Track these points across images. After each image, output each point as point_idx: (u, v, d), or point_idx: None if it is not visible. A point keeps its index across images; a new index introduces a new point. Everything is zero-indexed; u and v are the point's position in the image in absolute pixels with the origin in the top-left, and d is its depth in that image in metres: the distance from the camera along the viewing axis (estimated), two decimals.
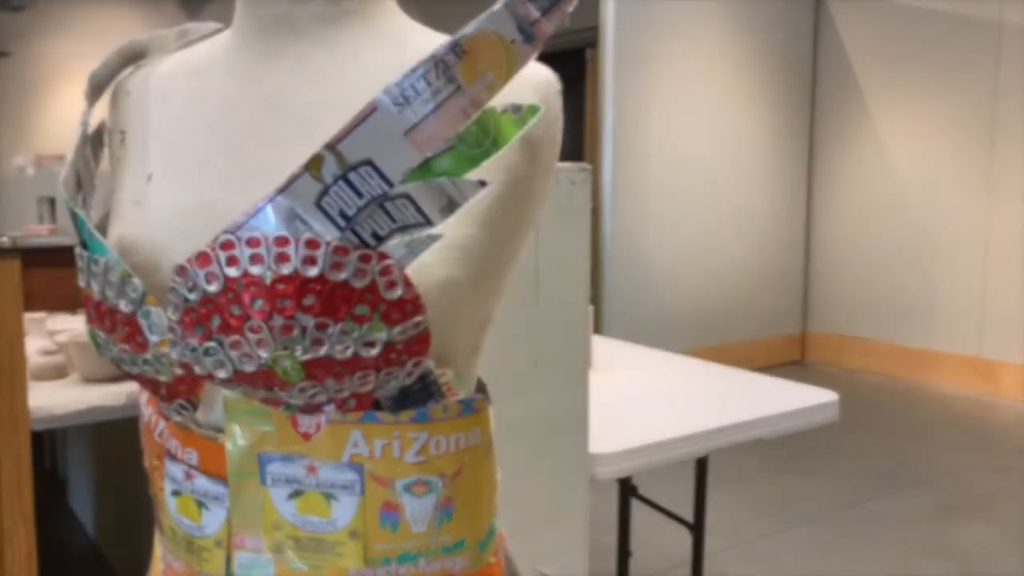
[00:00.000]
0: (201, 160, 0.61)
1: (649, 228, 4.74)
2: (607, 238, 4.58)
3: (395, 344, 0.56)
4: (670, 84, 4.76)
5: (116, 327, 0.59)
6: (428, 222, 0.54)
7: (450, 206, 0.54)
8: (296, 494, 0.63)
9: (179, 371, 0.59)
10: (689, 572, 2.01)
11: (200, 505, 0.65)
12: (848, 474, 3.47)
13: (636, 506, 2.10)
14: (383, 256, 0.54)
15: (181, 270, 0.54)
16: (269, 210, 0.52)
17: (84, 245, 0.60)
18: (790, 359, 5.50)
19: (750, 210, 5.21)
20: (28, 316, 2.06)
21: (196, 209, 0.60)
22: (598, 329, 4.51)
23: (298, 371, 0.55)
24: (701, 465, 1.93)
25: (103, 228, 0.65)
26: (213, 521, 0.65)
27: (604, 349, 2.35)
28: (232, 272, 0.52)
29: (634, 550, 2.02)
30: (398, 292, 0.55)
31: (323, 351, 0.54)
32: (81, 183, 0.65)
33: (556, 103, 0.66)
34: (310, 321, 0.53)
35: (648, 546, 2.61)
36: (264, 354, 0.54)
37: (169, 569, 0.70)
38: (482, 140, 0.55)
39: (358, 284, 0.53)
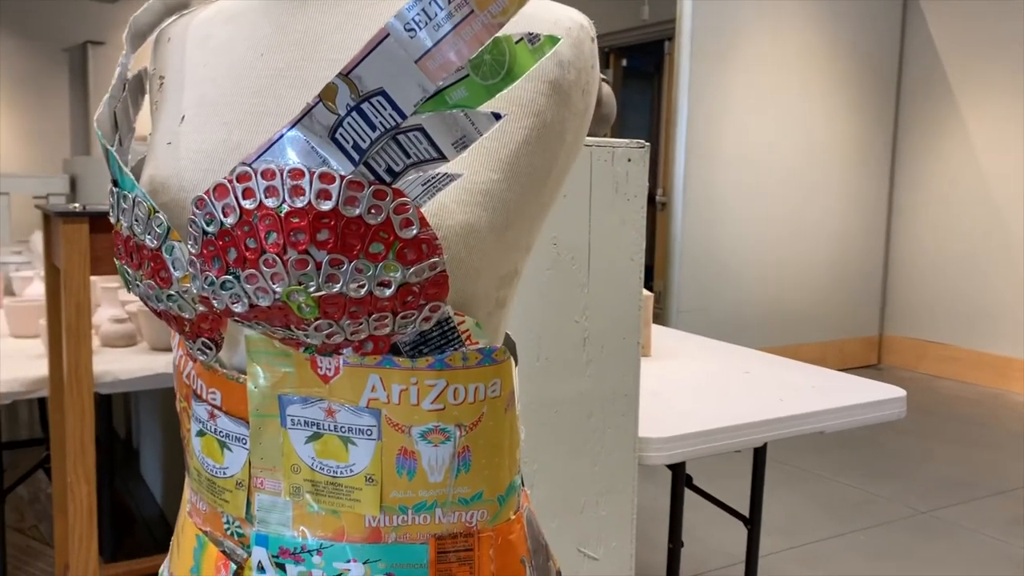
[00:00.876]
0: (231, 102, 0.62)
1: (722, 224, 4.65)
2: (678, 233, 4.52)
3: (411, 286, 0.56)
4: (747, 77, 4.66)
5: (143, 263, 0.60)
6: (441, 156, 0.53)
7: (464, 141, 0.53)
8: (315, 437, 0.63)
9: (201, 308, 0.59)
10: (743, 570, 1.96)
11: (223, 446, 0.66)
12: (920, 480, 3.34)
13: (690, 500, 2.06)
14: (398, 193, 0.53)
15: (200, 202, 0.54)
16: (285, 142, 0.52)
17: (115, 182, 0.61)
18: (866, 363, 5.33)
19: (827, 208, 5.06)
20: (102, 285, 2.13)
21: (224, 150, 0.60)
22: (665, 324, 4.45)
23: (312, 307, 0.54)
24: (758, 457, 1.88)
25: (140, 171, 0.66)
26: (235, 462, 0.66)
27: (663, 338, 2.31)
28: (248, 204, 0.52)
29: (685, 544, 1.98)
30: (413, 231, 0.54)
31: (337, 288, 0.54)
32: (118, 125, 0.66)
33: (589, 49, 0.64)
34: (324, 256, 0.53)
35: (700, 540, 2.56)
36: (279, 288, 0.53)
37: (195, 510, 0.71)
38: (497, 70, 0.53)
39: (372, 221, 0.53)
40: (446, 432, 0.62)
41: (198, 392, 0.66)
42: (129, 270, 0.62)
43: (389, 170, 0.53)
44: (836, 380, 1.90)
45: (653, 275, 5.73)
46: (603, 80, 1.41)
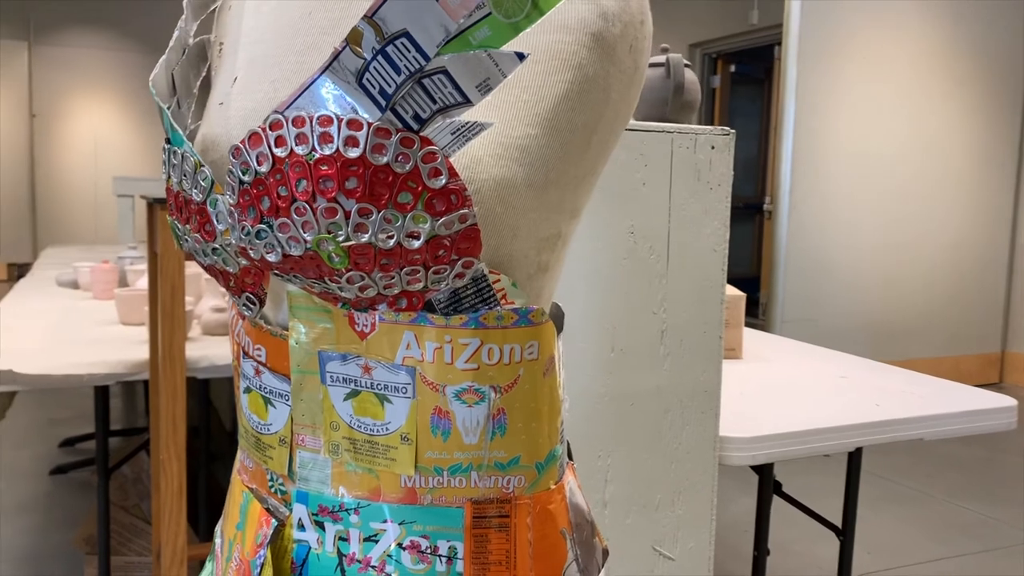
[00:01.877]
0: (278, 61, 0.63)
1: (829, 232, 4.48)
2: (783, 240, 4.38)
3: (442, 239, 0.55)
4: (859, 81, 4.48)
5: (190, 217, 0.62)
6: (466, 100, 0.52)
7: (488, 83, 0.52)
8: (353, 394, 0.63)
9: (243, 261, 0.60)
10: None
11: (267, 402, 0.67)
12: None
13: (777, 507, 1.98)
14: (426, 141, 0.53)
15: (236, 151, 0.55)
16: (315, 89, 0.52)
17: (168, 140, 0.63)
18: (986, 381, 5.03)
19: (946, 216, 4.81)
20: (206, 277, 2.22)
21: (270, 107, 0.61)
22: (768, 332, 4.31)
23: (342, 257, 0.55)
24: (852, 465, 1.79)
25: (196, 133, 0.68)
26: (278, 419, 0.66)
27: (757, 341, 2.24)
28: (280, 152, 0.53)
29: (772, 552, 1.90)
30: (442, 180, 0.53)
31: (366, 238, 0.54)
32: (176, 88, 0.68)
33: (637, 4, 0.62)
34: (353, 205, 0.53)
35: (788, 550, 2.46)
36: (309, 237, 0.54)
37: (243, 468, 0.72)
38: (520, 7, 0.52)
39: (400, 169, 0.53)
40: (480, 393, 0.61)
41: (245, 349, 0.68)
42: (179, 225, 0.64)
43: (416, 117, 0.52)
44: (939, 387, 1.80)
45: (760, 285, 5.57)
46: (686, 66, 1.38)
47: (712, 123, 7.21)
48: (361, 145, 0.52)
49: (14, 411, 3.95)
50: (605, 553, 0.75)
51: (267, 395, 0.66)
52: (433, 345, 0.60)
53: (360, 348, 0.61)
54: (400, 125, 0.52)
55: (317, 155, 0.52)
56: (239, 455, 0.74)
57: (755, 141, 7.59)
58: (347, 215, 0.53)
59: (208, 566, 0.78)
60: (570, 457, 0.76)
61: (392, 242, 0.54)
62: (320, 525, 0.65)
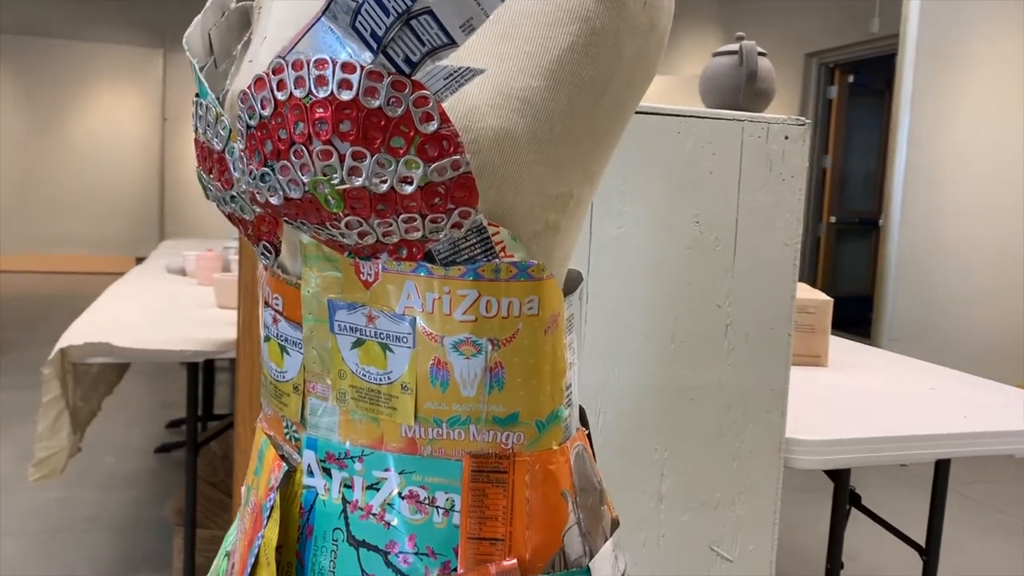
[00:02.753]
0: (303, 16, 0.65)
1: (943, 247, 4.26)
2: (892, 255, 4.19)
3: (436, 186, 0.56)
4: (977, 88, 4.25)
5: (212, 166, 0.65)
6: (451, 41, 0.53)
7: (471, 23, 0.53)
8: (358, 343, 0.64)
9: (257, 209, 0.63)
10: None
11: (283, 350, 0.69)
12: None
13: (852, 517, 1.89)
14: (418, 85, 0.53)
15: (243, 96, 0.57)
16: (313, 33, 0.54)
17: (197, 94, 0.66)
18: None
19: None
20: None
21: None
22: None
23: (338, 200, 0.56)
24: (938, 479, 1.69)
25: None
26: (292, 366, 0.68)
27: (844, 349, 2.15)
28: (281, 96, 0.55)
29: (846, 566, 1.82)
30: (434, 126, 0.54)
31: (360, 181, 0.55)
32: (213, 48, 0.71)
33: None
34: (347, 148, 0.54)
35: (859, 562, 2.33)
36: (306, 179, 0.55)
37: (263, 416, 0.74)
38: None
39: (392, 113, 0.54)
40: (478, 345, 0.62)
41: (266, 298, 0.70)
42: (204, 175, 0.67)
43: (407, 60, 0.53)
44: None
45: (873, 304, 5.35)
46: (761, 55, 1.34)
47: (827, 136, 6.97)
48: (354, 88, 0.53)
49: (128, 392, 4.18)
50: (615, 523, 0.73)
51: (283, 343, 0.69)
52: (432, 296, 0.61)
53: (365, 297, 0.63)
54: (392, 68, 0.53)
55: (313, 98, 0.54)
56: (262, 403, 0.76)
57: (874, 155, 7.30)
58: (341, 158, 0.54)
59: (235, 523, 0.81)
60: (584, 424, 0.75)
61: (385, 186, 0.55)
62: (327, 472, 0.67)
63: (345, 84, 0.53)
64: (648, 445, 1.33)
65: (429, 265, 0.60)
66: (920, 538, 1.75)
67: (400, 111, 0.54)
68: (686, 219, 1.31)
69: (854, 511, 1.81)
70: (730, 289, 1.33)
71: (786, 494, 2.85)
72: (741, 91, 1.34)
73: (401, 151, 0.54)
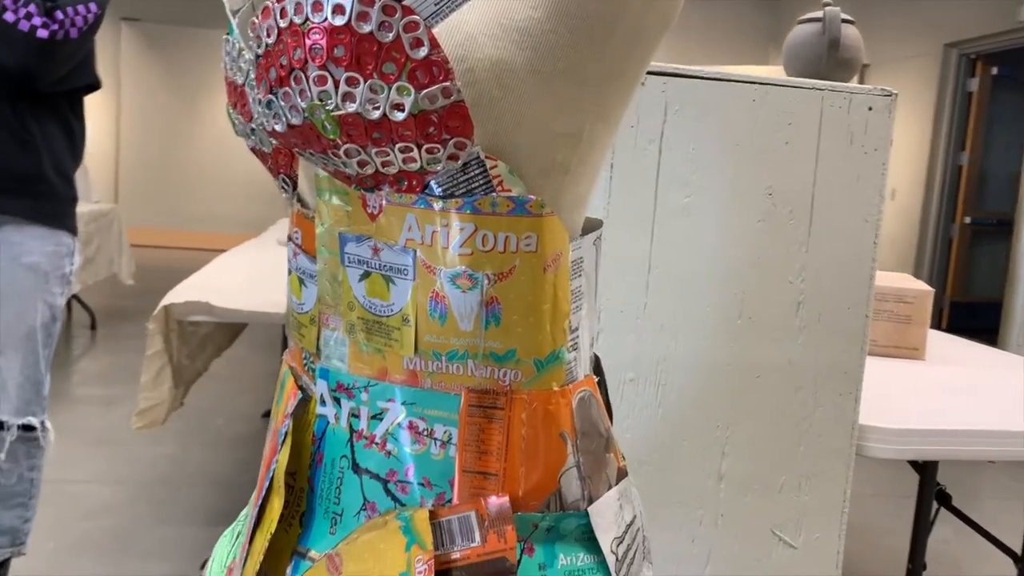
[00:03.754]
0: None
1: None
2: (1023, 257, 3.92)
3: (429, 114, 0.57)
4: None
5: (237, 101, 0.67)
6: None
7: None
8: (365, 275, 0.65)
9: (273, 141, 0.65)
10: None
11: (301, 282, 0.71)
12: None
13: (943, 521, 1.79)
14: (408, 11, 0.54)
15: (252, 25, 0.60)
16: None
17: (227, 32, 0.69)
18: None
19: None
20: None
21: None
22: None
23: (334, 126, 0.57)
24: None
25: None
26: (309, 299, 0.71)
27: (946, 344, 2.04)
28: (282, 23, 0.57)
29: (928, 567, 1.72)
30: (424, 51, 0.55)
31: (353, 107, 0.56)
32: None
33: None
34: (341, 74, 0.55)
35: (940, 560, 2.19)
36: (304, 104, 0.57)
37: (288, 349, 0.77)
38: None
39: (383, 39, 0.55)
40: (474, 279, 0.62)
41: (290, 234, 0.73)
42: (231, 111, 0.70)
43: None
44: None
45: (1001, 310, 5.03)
46: (846, 21, 1.29)
47: (964, 130, 6.57)
48: (347, 13, 0.54)
49: (243, 361, 4.39)
50: (621, 472, 0.72)
51: (301, 276, 0.71)
52: (431, 228, 0.62)
53: (371, 229, 0.64)
54: None
55: (310, 24, 0.55)
56: (287, 338, 0.79)
57: (1017, 152, 6.83)
58: (336, 84, 0.56)
59: None
60: (598, 372, 0.75)
61: (378, 113, 0.56)
62: (337, 401, 0.69)
63: (338, 9, 0.54)
64: (710, 422, 1.30)
65: (428, 197, 0.61)
66: (1014, 544, 1.64)
67: (391, 36, 0.54)
68: (758, 190, 1.27)
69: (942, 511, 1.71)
70: (803, 265, 1.28)
71: (870, 486, 2.72)
72: (823, 60, 1.28)
73: (392, 77, 0.55)
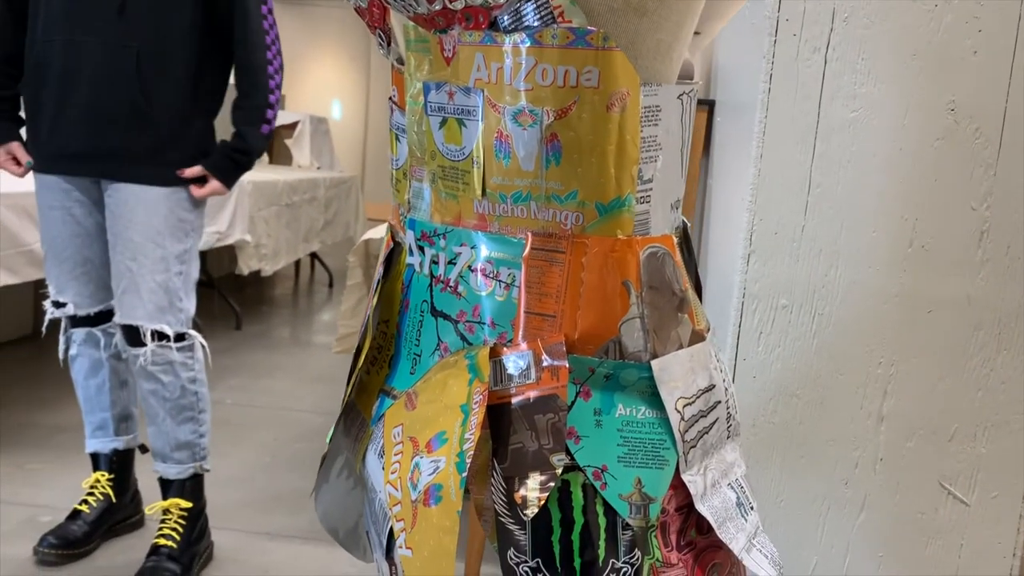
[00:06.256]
0: None
1: None
2: None
3: None
4: None
5: None
6: None
7: None
8: (443, 123, 0.68)
9: None
10: None
11: (396, 139, 0.75)
12: None
13: None
14: None
15: None
16: None
17: None
18: None
19: None
20: None
21: None
22: None
23: None
24: None
25: None
26: (402, 153, 0.75)
27: None
28: None
29: None
30: None
31: None
32: None
33: None
34: None
35: None
36: None
37: (391, 211, 0.82)
38: None
39: None
40: (534, 115, 0.63)
41: (390, 93, 0.77)
42: None
43: None
44: None
45: None
46: None
47: None
48: None
49: None
50: (696, 336, 0.70)
51: (397, 131, 0.75)
52: (496, 65, 0.63)
53: (447, 74, 0.67)
54: None
55: None
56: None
57: None
58: None
59: None
60: (686, 242, 0.73)
61: None
62: (421, 250, 0.72)
63: None
64: (871, 358, 1.21)
65: (494, 34, 0.62)
66: None
67: None
68: (938, 106, 1.16)
69: None
70: (990, 190, 1.16)
71: None
72: None
73: None
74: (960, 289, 1.18)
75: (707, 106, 1.62)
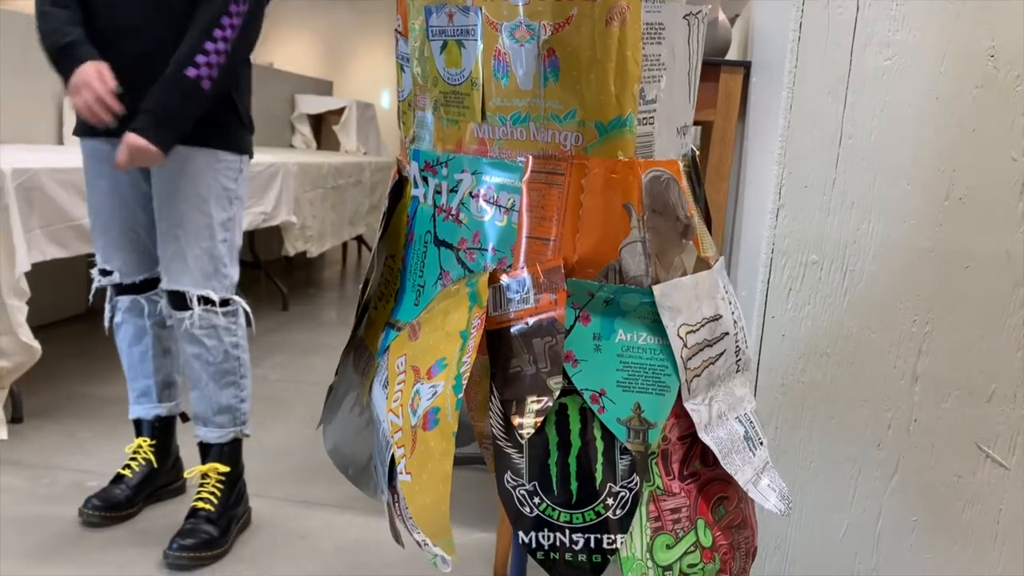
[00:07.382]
0: None
1: None
2: None
3: None
4: None
5: None
6: None
7: None
8: (443, 47, 0.68)
9: None
10: None
11: (402, 68, 0.75)
12: None
13: None
14: None
15: None
16: None
17: None
18: None
19: None
20: None
21: None
22: None
23: None
24: None
25: None
26: (407, 84, 0.75)
27: None
28: None
29: None
30: None
31: None
32: None
33: None
34: None
35: None
36: None
37: (400, 147, 0.82)
38: None
39: None
40: (531, 29, 0.62)
41: (396, 25, 0.77)
42: None
43: None
44: None
45: None
46: None
47: None
48: None
49: None
50: (702, 263, 0.68)
51: (402, 62, 0.75)
52: None
53: None
54: None
55: None
56: None
57: None
58: None
59: None
60: (694, 168, 0.71)
61: None
62: (425, 180, 0.72)
63: None
64: (905, 314, 1.17)
65: None
66: None
67: None
68: (978, 50, 1.12)
69: None
70: None
71: None
72: None
73: None
74: (999, 244, 1.14)
75: (743, 67, 1.59)
